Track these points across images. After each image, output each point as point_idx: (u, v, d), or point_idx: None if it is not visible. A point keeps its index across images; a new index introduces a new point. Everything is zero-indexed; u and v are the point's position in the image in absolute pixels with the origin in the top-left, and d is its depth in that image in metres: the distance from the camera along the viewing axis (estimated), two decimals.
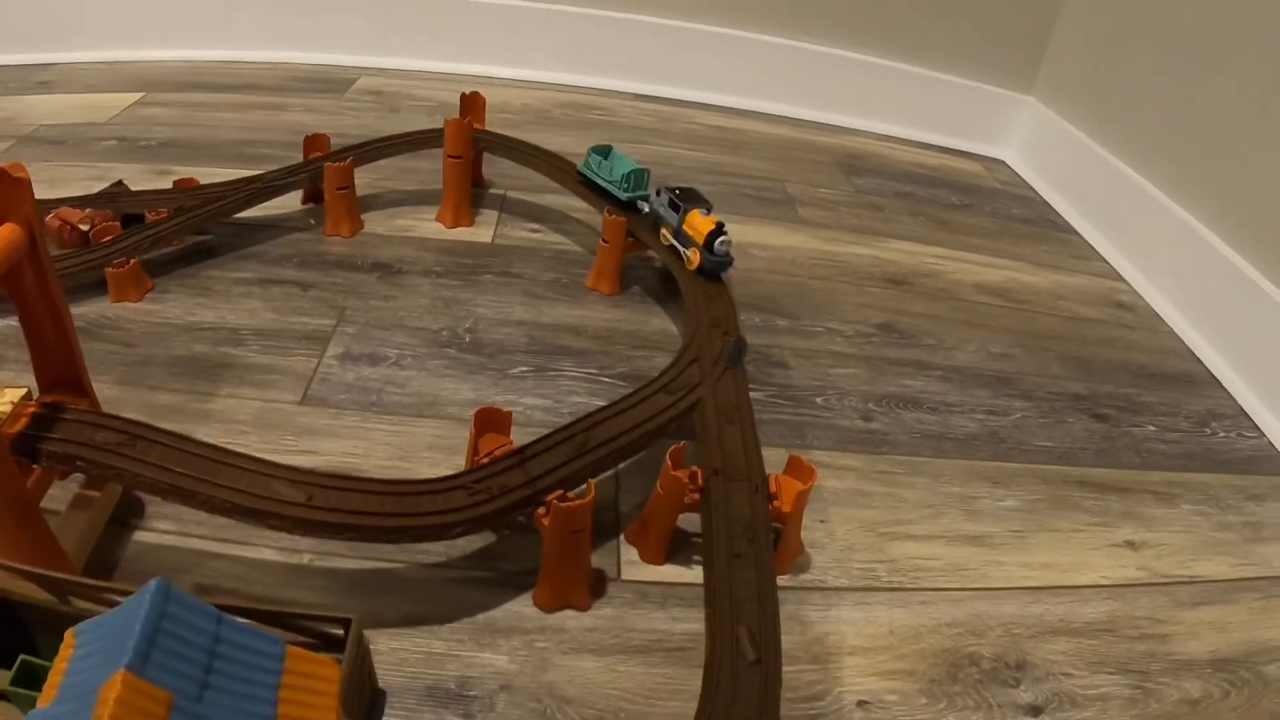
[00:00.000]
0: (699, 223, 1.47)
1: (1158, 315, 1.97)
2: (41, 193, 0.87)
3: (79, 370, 1.04)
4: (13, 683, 0.57)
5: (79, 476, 1.03)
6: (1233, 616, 1.21)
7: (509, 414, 1.11)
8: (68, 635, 0.51)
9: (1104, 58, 2.40)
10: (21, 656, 0.58)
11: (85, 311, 1.41)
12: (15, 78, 2.37)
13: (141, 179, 1.73)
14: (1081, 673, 1.09)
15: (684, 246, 1.51)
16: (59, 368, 1.02)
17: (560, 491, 0.99)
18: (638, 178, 1.62)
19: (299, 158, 1.80)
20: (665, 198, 1.55)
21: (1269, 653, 1.15)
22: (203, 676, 0.45)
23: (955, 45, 2.69)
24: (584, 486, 1.01)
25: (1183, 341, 1.88)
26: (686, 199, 1.52)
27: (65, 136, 2.04)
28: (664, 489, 1.07)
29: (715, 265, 1.46)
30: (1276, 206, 1.72)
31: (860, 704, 1.01)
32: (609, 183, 1.65)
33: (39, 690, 0.53)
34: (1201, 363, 1.81)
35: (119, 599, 0.57)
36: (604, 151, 1.69)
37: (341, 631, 0.65)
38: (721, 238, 1.44)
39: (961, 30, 2.67)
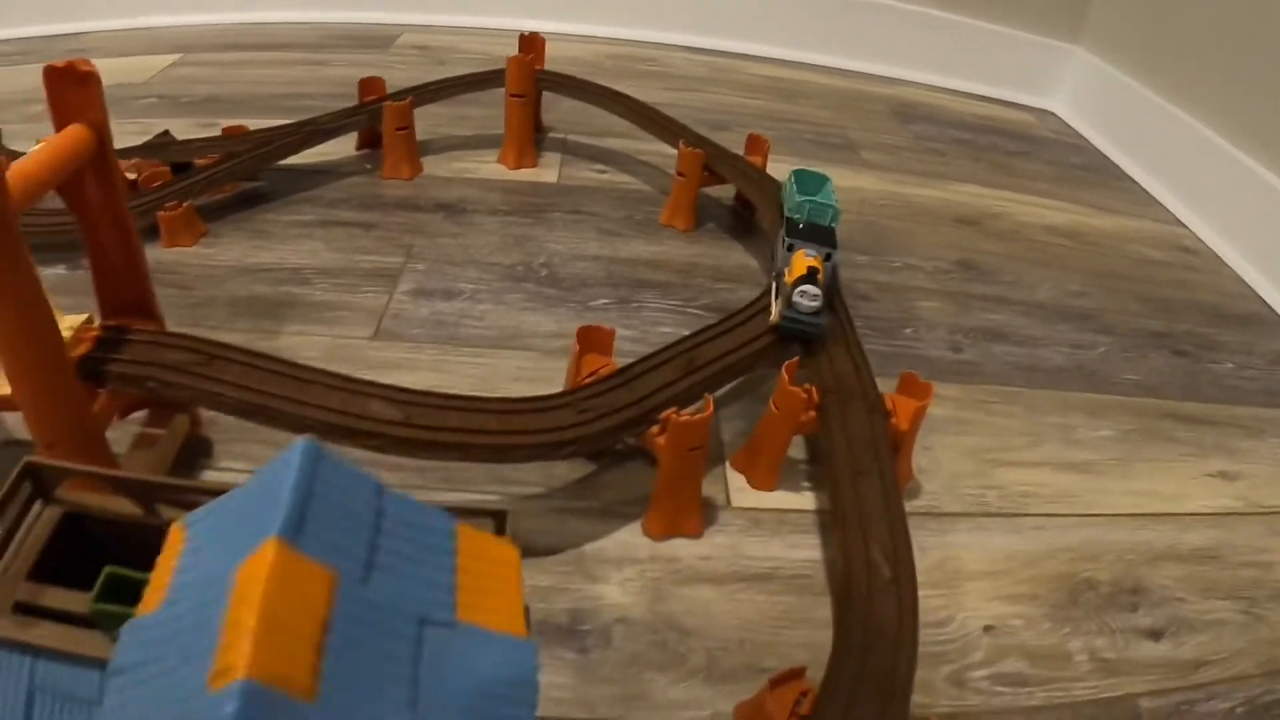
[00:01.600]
0: (796, 264, 1.12)
1: (1221, 260, 1.94)
2: None
3: (146, 292, 0.99)
4: (98, 599, 0.51)
5: (140, 418, 1.00)
6: None
7: (612, 331, 1.08)
8: (174, 529, 0.45)
9: (1150, 2, 2.36)
10: (107, 568, 0.51)
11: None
12: (49, 46, 2.34)
13: (187, 132, 1.69)
14: (1194, 598, 1.07)
15: (775, 296, 1.17)
16: (124, 290, 0.98)
17: (674, 409, 0.95)
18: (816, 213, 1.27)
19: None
20: (782, 235, 1.21)
21: None
22: (368, 553, 0.39)
23: None
24: (701, 401, 0.97)
25: (1249, 285, 1.84)
26: (803, 235, 1.19)
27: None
28: (779, 406, 1.03)
29: (793, 325, 1.11)
30: None
31: (986, 629, 0.99)
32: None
33: (131, 605, 0.48)
34: (1269, 305, 1.78)
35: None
36: (814, 184, 1.36)
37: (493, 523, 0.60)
38: (804, 287, 1.09)
39: None
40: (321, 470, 0.38)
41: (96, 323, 0.95)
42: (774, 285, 1.18)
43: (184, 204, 1.42)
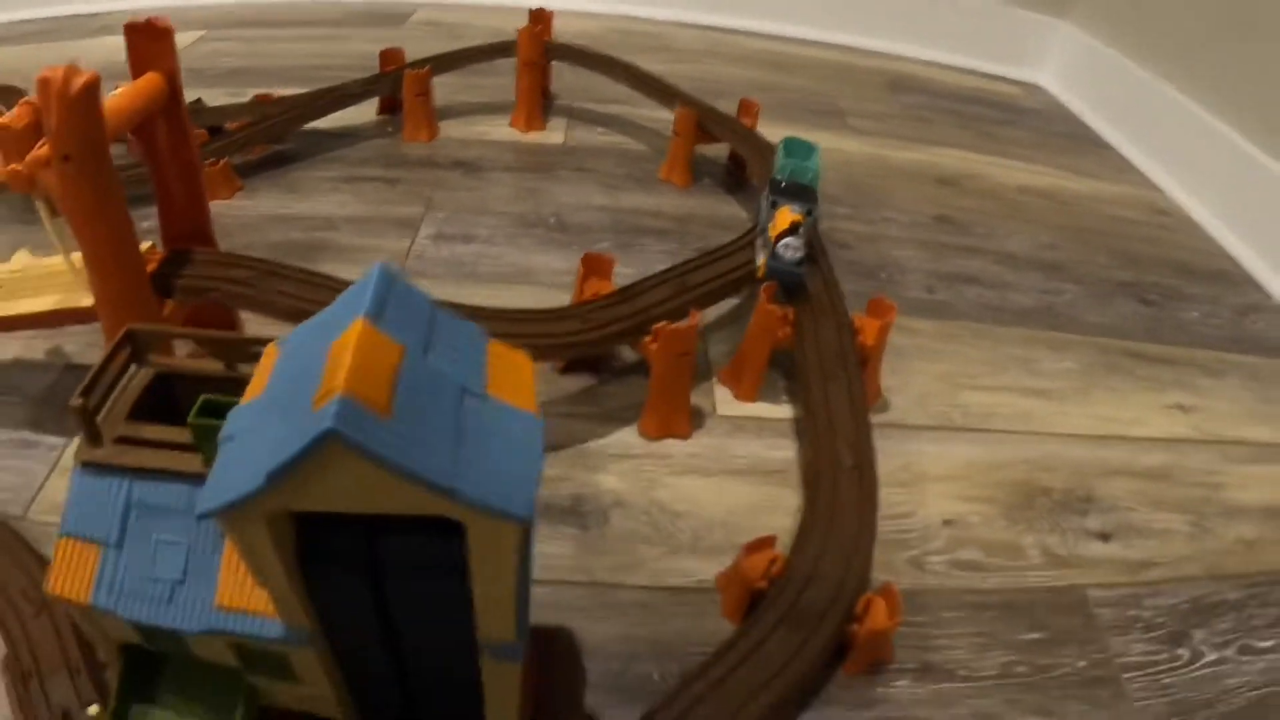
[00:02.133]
0: (780, 219, 1.20)
1: (1195, 221, 2.02)
2: None
3: (205, 222, 1.12)
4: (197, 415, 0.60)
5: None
6: None
7: (612, 259, 1.20)
8: (269, 348, 0.56)
9: None
10: (204, 396, 0.60)
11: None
12: (74, 25, 2.44)
13: (217, 101, 1.79)
14: (1144, 509, 1.17)
15: (760, 250, 1.25)
16: (187, 221, 1.10)
17: (666, 321, 1.07)
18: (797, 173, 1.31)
19: None
20: (766, 193, 1.27)
21: None
22: (426, 340, 0.50)
23: None
24: (689, 315, 1.08)
25: (1220, 245, 1.92)
26: (787, 194, 1.25)
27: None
28: (758, 322, 1.15)
29: (776, 273, 1.19)
30: None
31: (946, 523, 1.10)
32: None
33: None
34: (1239, 264, 1.86)
35: None
36: (802, 151, 1.39)
37: None
38: (787, 240, 1.17)
39: None
40: (393, 284, 0.50)
41: (159, 249, 1.08)
42: (758, 241, 1.28)
43: (222, 160, 1.53)
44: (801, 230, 1.19)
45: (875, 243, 1.67)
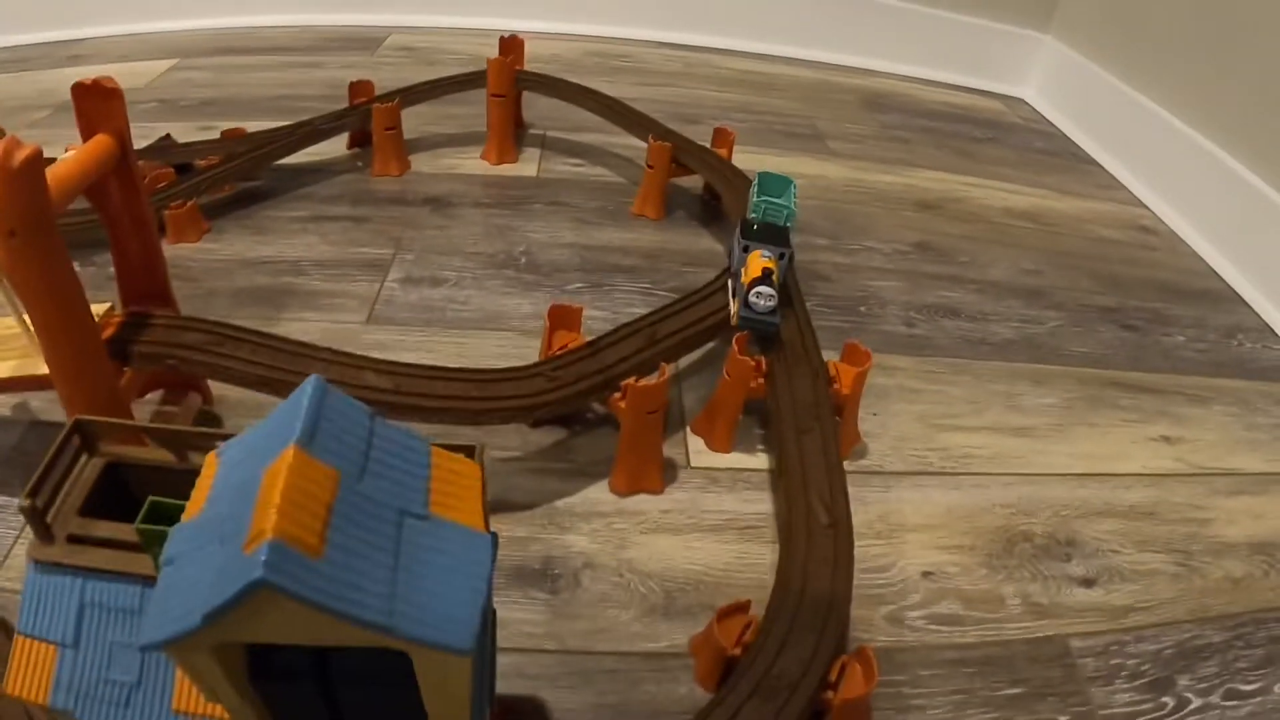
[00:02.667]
0: (751, 265, 1.18)
1: (1180, 239, 2.01)
2: None
3: (163, 282, 1.10)
4: (143, 522, 0.61)
5: (155, 398, 1.11)
6: (1268, 506, 1.26)
7: (580, 309, 1.17)
8: (209, 457, 0.54)
9: None
10: (151, 498, 0.60)
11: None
12: (46, 54, 2.42)
13: (186, 135, 1.77)
14: (1129, 550, 1.15)
15: (733, 296, 1.23)
16: (143, 280, 1.08)
17: (634, 378, 1.05)
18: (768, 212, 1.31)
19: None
20: (738, 236, 1.23)
21: None
22: (362, 461, 0.49)
23: None
24: (658, 370, 1.06)
25: (1206, 263, 1.92)
26: (759, 237, 1.22)
27: None
28: (730, 373, 1.13)
29: (749, 324, 1.17)
30: None
31: (925, 574, 1.08)
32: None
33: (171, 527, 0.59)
34: (1225, 282, 1.86)
35: None
36: (777, 186, 1.37)
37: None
38: (759, 288, 1.15)
39: None
40: (327, 398, 0.49)
41: (117, 310, 1.06)
42: (730, 285, 1.25)
43: (188, 203, 1.51)
44: (774, 277, 1.17)
45: (855, 274, 1.66)
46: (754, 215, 1.30)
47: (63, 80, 2.10)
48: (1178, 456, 1.33)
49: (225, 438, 0.67)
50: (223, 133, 1.74)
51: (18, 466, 1.10)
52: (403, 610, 0.44)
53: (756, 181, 1.36)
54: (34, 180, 0.80)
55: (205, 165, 1.60)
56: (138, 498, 0.70)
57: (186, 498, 0.57)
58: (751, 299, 1.15)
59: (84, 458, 0.70)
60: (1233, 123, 1.95)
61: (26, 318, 0.96)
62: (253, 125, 1.76)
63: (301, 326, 1.33)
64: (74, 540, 0.64)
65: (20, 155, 0.77)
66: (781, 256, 1.20)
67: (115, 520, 0.66)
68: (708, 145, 1.74)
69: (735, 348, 1.12)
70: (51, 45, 2.48)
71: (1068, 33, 2.67)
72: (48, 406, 1.18)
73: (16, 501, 0.97)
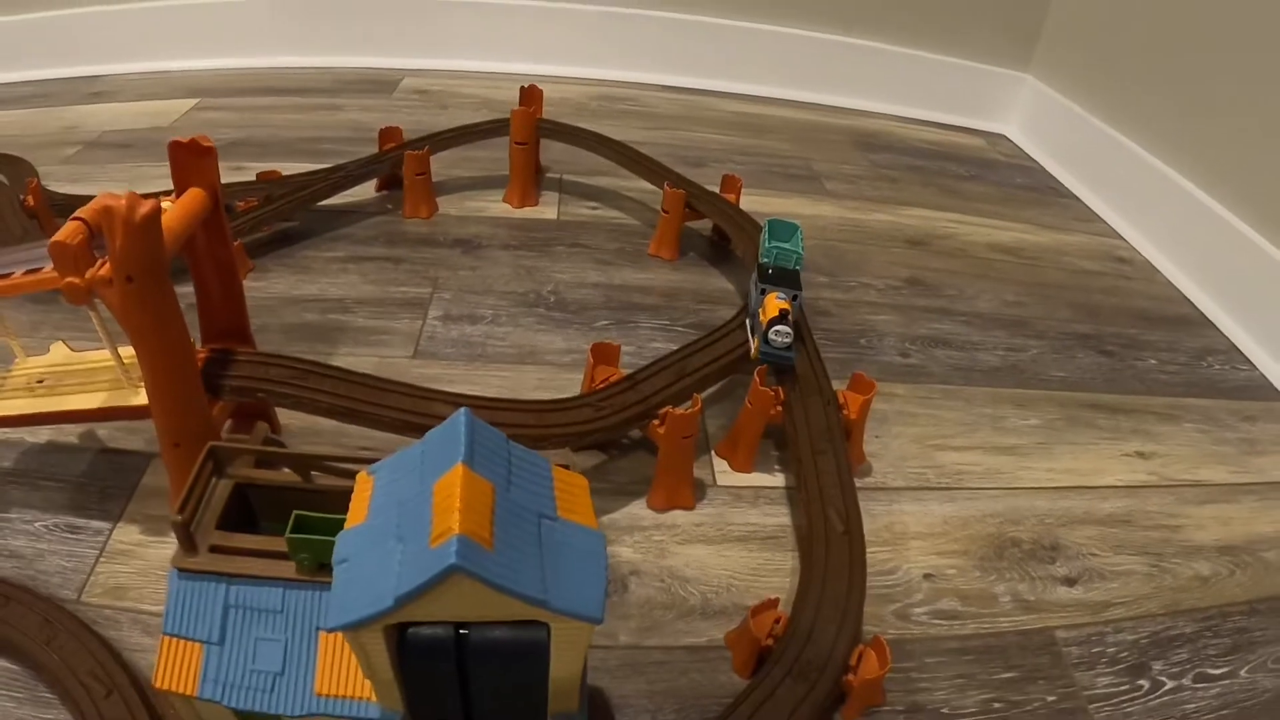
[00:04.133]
0: (768, 306, 1.29)
1: (1154, 268, 2.14)
2: (121, 190, 0.97)
3: (243, 322, 1.19)
4: (291, 532, 0.70)
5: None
6: (1234, 514, 1.40)
7: (618, 346, 1.30)
8: (360, 476, 0.66)
9: (1097, 34, 2.57)
10: (296, 512, 0.71)
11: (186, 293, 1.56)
12: (67, 89, 2.50)
13: (221, 175, 1.88)
14: (1106, 553, 1.29)
15: (752, 334, 1.35)
16: (224, 320, 1.18)
17: (669, 406, 1.19)
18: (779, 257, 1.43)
19: (362, 152, 1.97)
20: (755, 280, 1.35)
21: (1267, 542, 1.35)
22: (507, 475, 0.60)
23: (955, 28, 2.85)
24: (691, 400, 1.20)
25: (1178, 290, 2.05)
26: (773, 280, 1.34)
27: (132, 140, 2.18)
28: (752, 402, 1.26)
29: (769, 358, 1.28)
30: (1261, 163, 1.90)
31: (926, 576, 1.21)
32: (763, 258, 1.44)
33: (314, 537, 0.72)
34: (1196, 307, 1.98)
35: (361, 468, 0.72)
36: (785, 232, 1.49)
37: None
38: (777, 327, 1.26)
39: (961, 13, 2.83)
40: (477, 426, 0.62)
41: (199, 346, 1.15)
42: (749, 323, 1.37)
43: (236, 242, 1.57)
44: (789, 316, 1.29)
45: (853, 309, 1.78)
46: (766, 260, 1.43)
47: (86, 116, 2.24)
48: (1151, 470, 1.46)
49: (353, 461, 0.81)
50: (258, 175, 1.82)
51: (91, 491, 1.19)
52: (553, 589, 0.57)
53: (766, 228, 1.47)
54: (153, 232, 0.89)
55: (245, 207, 1.69)
56: (260, 514, 0.83)
57: (310, 510, 0.70)
58: (771, 336, 1.26)
59: (215, 479, 0.82)
60: (1204, 158, 2.07)
61: (122, 352, 1.07)
62: (284, 166, 1.86)
63: (354, 361, 1.42)
64: (216, 550, 0.75)
65: (142, 210, 0.86)
66: (794, 298, 1.33)
67: (243, 532, 0.78)
68: (715, 189, 1.86)
69: (756, 379, 1.25)
70: (72, 81, 2.56)
71: (1047, 72, 2.79)
72: (115, 434, 1.28)
73: (93, 525, 1.13)
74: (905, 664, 1.09)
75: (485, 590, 0.53)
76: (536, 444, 1.07)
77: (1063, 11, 2.69)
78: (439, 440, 0.61)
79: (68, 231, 0.89)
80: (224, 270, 1.13)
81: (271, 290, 1.62)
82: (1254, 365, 1.80)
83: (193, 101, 2.44)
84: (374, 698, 0.69)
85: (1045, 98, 2.76)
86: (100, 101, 2.42)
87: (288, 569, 0.73)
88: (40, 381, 1.14)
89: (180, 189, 1.04)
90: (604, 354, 1.30)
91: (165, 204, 0.97)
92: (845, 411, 1.27)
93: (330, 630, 0.58)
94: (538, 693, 0.65)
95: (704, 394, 1.27)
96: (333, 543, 0.63)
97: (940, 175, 2.51)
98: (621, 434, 1.29)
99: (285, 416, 1.25)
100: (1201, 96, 2.09)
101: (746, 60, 2.91)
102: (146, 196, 0.88)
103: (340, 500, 0.77)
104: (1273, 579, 1.28)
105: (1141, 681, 1.11)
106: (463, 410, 0.61)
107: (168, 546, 1.12)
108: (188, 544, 0.73)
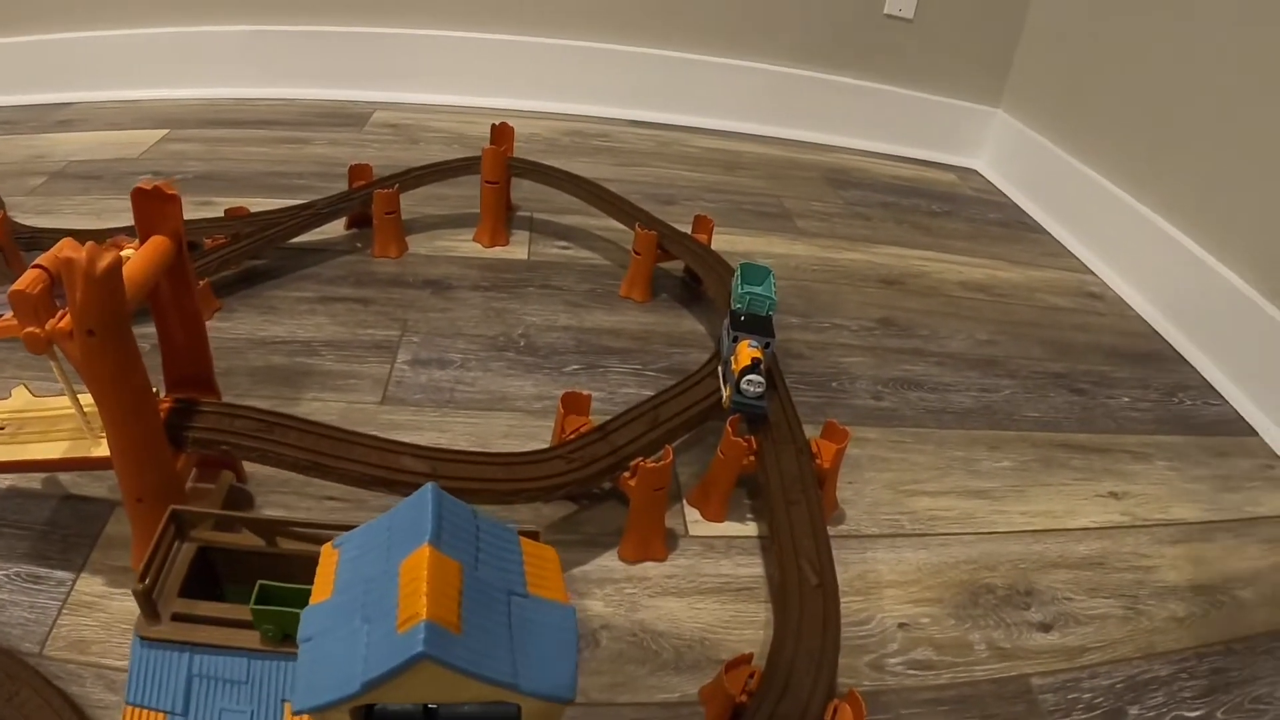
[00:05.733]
0: (741, 355, 1.29)
1: (1125, 303, 2.16)
2: (87, 224, 0.93)
3: (208, 369, 1.17)
4: (256, 603, 0.70)
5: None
6: (1208, 552, 1.40)
7: (589, 396, 1.29)
8: (326, 548, 0.64)
9: (1065, 70, 2.60)
10: (260, 581, 0.70)
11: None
12: (34, 116, 2.49)
13: (186, 211, 1.85)
14: (1081, 597, 1.28)
15: (724, 382, 1.34)
16: (188, 368, 1.15)
17: (641, 458, 1.18)
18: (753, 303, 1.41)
19: (331, 188, 1.98)
20: (727, 327, 1.36)
21: (1241, 580, 1.35)
22: (475, 552, 0.60)
23: (926, 64, 2.88)
24: (662, 451, 1.19)
25: (1149, 325, 2.06)
26: (746, 327, 1.34)
27: (99, 171, 2.16)
28: (725, 452, 1.25)
29: (741, 408, 1.29)
30: (1230, 198, 1.92)
31: (900, 625, 1.21)
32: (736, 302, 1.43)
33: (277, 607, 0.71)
34: (1168, 342, 2.00)
35: (330, 534, 0.71)
36: (758, 276, 1.49)
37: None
38: (749, 376, 1.26)
39: (932, 50, 2.86)
40: (444, 501, 0.61)
41: (162, 395, 1.14)
42: (721, 371, 1.36)
43: (202, 281, 1.59)
44: (761, 365, 1.28)
45: (826, 351, 1.78)
46: (739, 306, 1.42)
47: (53, 145, 2.22)
48: (1124, 510, 1.46)
49: (318, 527, 0.80)
50: (226, 211, 1.80)
51: (53, 540, 1.17)
52: (523, 671, 0.56)
53: (739, 272, 1.46)
54: (114, 285, 0.87)
55: (213, 244, 1.67)
56: (221, 576, 0.82)
57: (273, 578, 0.69)
58: (743, 386, 1.26)
59: (177, 544, 0.81)
60: (1173, 192, 2.09)
61: (82, 402, 1.05)
62: (252, 202, 1.86)
63: (321, 406, 1.42)
64: (179, 618, 0.74)
65: (103, 263, 0.84)
66: (767, 345, 1.32)
67: (205, 599, 0.77)
68: (685, 228, 1.86)
69: (729, 429, 1.24)
70: (38, 108, 2.54)
71: (1017, 107, 2.82)
72: (78, 481, 1.26)
73: (56, 575, 1.11)
74: (881, 716, 1.08)
75: (454, 675, 0.52)
76: (507, 498, 1.07)
77: (1033, 46, 2.72)
78: (406, 515, 0.61)
79: (28, 280, 0.88)
80: (188, 318, 1.11)
81: (237, 331, 1.60)
82: (1225, 400, 1.81)
83: (161, 132, 2.44)
84: None
85: (1016, 132, 2.79)
86: (68, 130, 2.41)
87: (252, 638, 0.73)
88: (1, 428, 1.12)
89: (144, 236, 1.02)
90: (574, 404, 1.29)
91: (127, 251, 0.96)
92: (818, 460, 1.26)
93: (296, 713, 0.56)
94: None
95: (676, 443, 1.25)
96: (297, 615, 0.62)
97: (912, 212, 2.53)
98: (593, 486, 1.27)
99: (251, 465, 1.22)
100: (1171, 131, 2.11)
101: (718, 96, 2.93)
102: (111, 234, 0.87)
103: (305, 566, 0.76)
104: (1248, 617, 1.29)
105: None
106: (430, 486, 0.61)
107: (131, 600, 1.09)
108: (150, 612, 0.73)
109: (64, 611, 1.08)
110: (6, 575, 1.11)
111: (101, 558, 1.15)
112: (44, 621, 1.06)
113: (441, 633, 0.52)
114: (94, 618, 1.07)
